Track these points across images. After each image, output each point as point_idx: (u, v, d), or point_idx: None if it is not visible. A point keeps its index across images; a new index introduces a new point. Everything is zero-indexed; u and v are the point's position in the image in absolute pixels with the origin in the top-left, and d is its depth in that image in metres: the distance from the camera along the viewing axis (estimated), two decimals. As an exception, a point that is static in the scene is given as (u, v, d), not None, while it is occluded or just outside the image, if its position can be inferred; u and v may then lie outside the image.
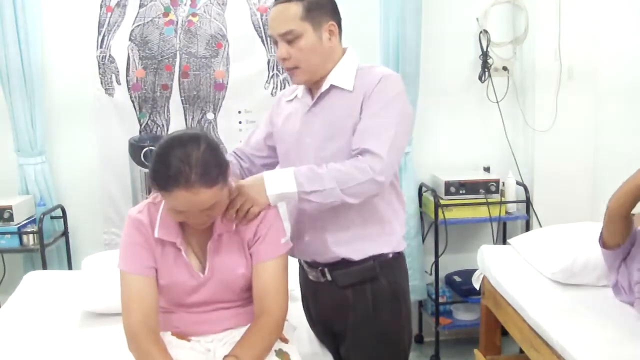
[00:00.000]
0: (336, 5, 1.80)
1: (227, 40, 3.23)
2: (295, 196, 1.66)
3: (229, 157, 1.96)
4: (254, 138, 2.02)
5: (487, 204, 3.20)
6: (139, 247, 1.66)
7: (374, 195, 1.71)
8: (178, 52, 3.22)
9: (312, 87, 1.82)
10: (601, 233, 2.28)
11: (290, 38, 1.71)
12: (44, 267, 2.98)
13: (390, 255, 1.83)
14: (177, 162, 1.48)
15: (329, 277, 1.83)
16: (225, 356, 1.57)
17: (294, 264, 1.87)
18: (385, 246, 1.82)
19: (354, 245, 1.79)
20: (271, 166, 2.00)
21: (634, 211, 2.22)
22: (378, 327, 1.82)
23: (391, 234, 1.83)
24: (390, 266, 1.83)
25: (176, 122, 3.24)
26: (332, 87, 1.77)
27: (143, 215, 1.67)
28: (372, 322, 1.82)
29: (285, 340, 1.73)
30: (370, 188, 1.67)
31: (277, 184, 1.67)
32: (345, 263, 1.80)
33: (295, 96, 1.89)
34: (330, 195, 1.65)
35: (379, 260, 1.80)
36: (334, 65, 1.78)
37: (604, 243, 2.27)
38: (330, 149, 1.75)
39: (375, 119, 1.69)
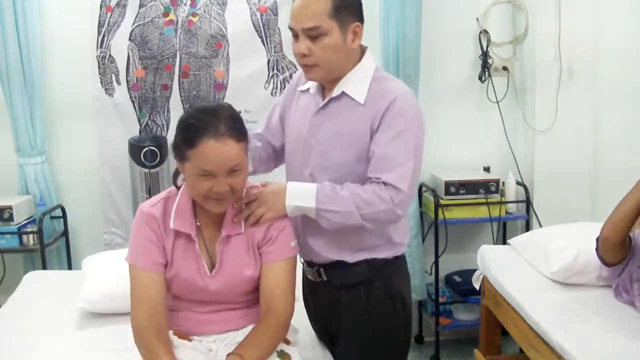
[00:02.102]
0: (362, 6, 1.75)
1: (227, 40, 3.23)
2: (313, 212, 1.68)
3: (254, 141, 1.99)
4: (274, 121, 1.98)
5: (487, 204, 3.20)
6: (149, 242, 1.66)
7: (390, 223, 1.74)
8: (178, 52, 3.22)
9: (326, 85, 1.79)
10: (598, 250, 2.28)
11: (315, 34, 1.65)
12: (44, 267, 2.98)
13: (387, 259, 1.80)
14: (206, 117, 1.57)
15: (324, 277, 1.83)
16: (229, 354, 1.58)
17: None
18: (382, 253, 1.80)
19: (348, 250, 1.78)
20: None
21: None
22: (371, 329, 1.80)
23: (389, 243, 1.80)
24: (386, 269, 1.81)
25: (176, 122, 3.22)
26: (343, 94, 1.73)
27: (156, 208, 1.68)
28: (366, 324, 1.80)
29: (287, 342, 1.74)
30: (388, 217, 1.69)
31: (298, 196, 1.69)
32: (339, 264, 1.79)
33: (308, 89, 1.84)
34: (347, 218, 1.67)
35: (373, 264, 1.78)
36: (351, 67, 1.74)
37: (605, 263, 2.28)
38: (337, 160, 1.73)
39: (395, 146, 1.67)
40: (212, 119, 1.56)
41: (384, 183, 1.65)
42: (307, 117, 1.80)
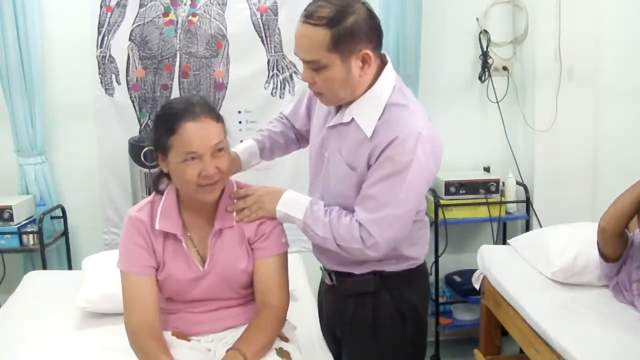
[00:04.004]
0: (375, 24, 1.57)
1: (227, 40, 3.23)
2: (300, 223, 1.68)
3: (275, 124, 2.01)
4: (302, 109, 1.94)
5: (487, 204, 3.20)
6: (138, 247, 1.67)
7: (366, 260, 1.68)
8: (178, 52, 3.22)
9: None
10: (599, 247, 2.29)
11: (315, 67, 1.55)
12: (44, 267, 2.98)
13: (397, 270, 1.74)
14: (181, 104, 1.61)
15: (335, 281, 1.81)
16: (228, 350, 1.58)
17: (296, 265, 1.86)
18: (391, 267, 1.73)
19: (351, 263, 1.73)
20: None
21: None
22: (377, 343, 1.76)
23: (399, 258, 1.73)
24: (396, 280, 1.74)
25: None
26: (353, 120, 1.63)
27: (143, 212, 1.69)
28: (371, 337, 1.76)
29: (285, 339, 1.74)
30: (360, 255, 1.65)
31: (290, 205, 1.69)
32: (347, 273, 1.76)
33: None
34: (325, 242, 1.65)
35: (382, 275, 1.73)
36: (364, 90, 1.61)
37: (605, 257, 2.29)
38: (339, 189, 1.69)
39: (379, 188, 1.58)
40: (186, 105, 1.60)
41: (359, 222, 1.60)
42: (324, 125, 1.73)
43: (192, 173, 1.57)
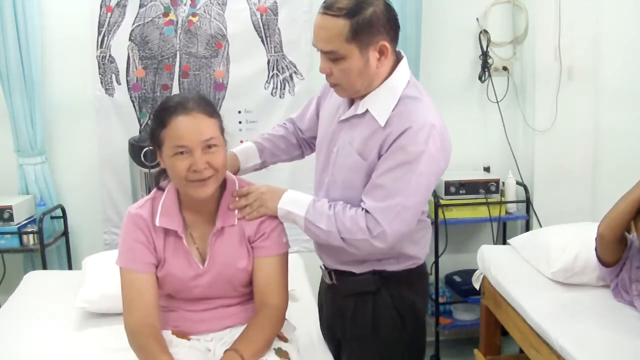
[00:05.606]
0: (393, 17, 1.61)
1: (227, 40, 3.23)
2: (301, 221, 1.67)
3: (278, 128, 2.01)
4: (310, 112, 1.95)
5: (487, 204, 3.20)
6: (138, 244, 1.66)
7: (371, 253, 1.66)
8: (178, 52, 3.22)
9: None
10: (597, 252, 2.29)
11: (333, 58, 1.57)
12: (44, 267, 2.98)
13: (397, 270, 1.74)
14: (175, 100, 1.62)
15: (335, 281, 1.81)
16: (226, 350, 1.58)
17: (296, 265, 1.86)
18: (391, 266, 1.74)
19: (352, 262, 1.74)
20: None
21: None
22: (377, 343, 1.76)
23: (400, 257, 1.73)
24: (396, 280, 1.74)
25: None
26: (367, 112, 1.64)
27: (144, 209, 1.69)
28: (371, 336, 1.76)
29: (284, 340, 1.74)
30: (365, 247, 1.63)
31: (292, 202, 1.68)
32: (347, 272, 1.77)
33: None
34: (330, 237, 1.64)
35: (381, 275, 1.73)
36: (379, 83, 1.63)
37: (603, 263, 2.29)
38: (348, 180, 1.68)
39: (389, 177, 1.57)
40: (180, 100, 1.61)
41: (367, 211, 1.59)
42: (334, 120, 1.74)
43: (182, 167, 1.57)
